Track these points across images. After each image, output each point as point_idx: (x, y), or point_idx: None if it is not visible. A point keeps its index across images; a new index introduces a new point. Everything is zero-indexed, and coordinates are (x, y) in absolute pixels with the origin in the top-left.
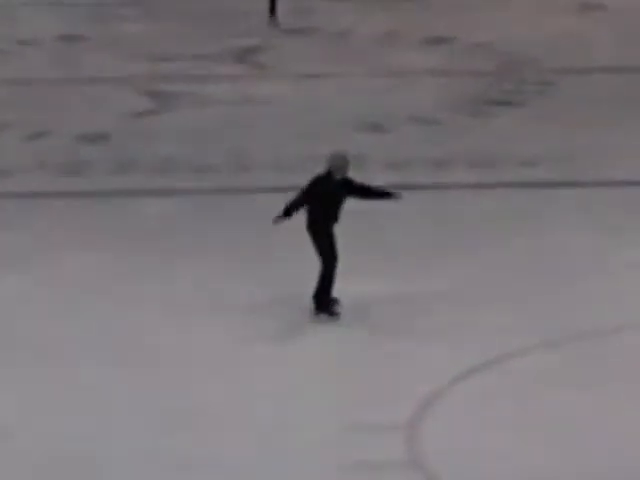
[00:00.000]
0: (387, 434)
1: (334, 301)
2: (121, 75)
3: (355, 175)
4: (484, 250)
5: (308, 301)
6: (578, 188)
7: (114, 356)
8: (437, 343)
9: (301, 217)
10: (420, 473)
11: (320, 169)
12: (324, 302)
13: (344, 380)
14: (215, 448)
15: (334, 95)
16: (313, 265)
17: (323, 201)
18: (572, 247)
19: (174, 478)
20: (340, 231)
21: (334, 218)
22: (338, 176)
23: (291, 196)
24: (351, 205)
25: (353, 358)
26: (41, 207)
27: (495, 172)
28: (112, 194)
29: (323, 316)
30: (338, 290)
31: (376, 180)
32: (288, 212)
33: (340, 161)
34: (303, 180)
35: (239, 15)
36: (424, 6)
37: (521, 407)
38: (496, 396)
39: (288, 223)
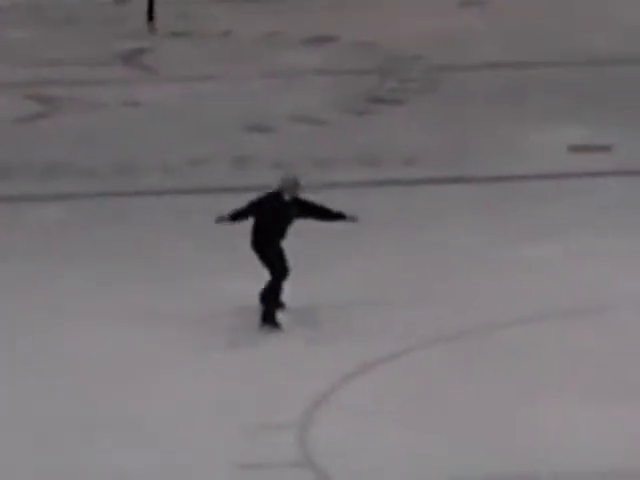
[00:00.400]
0: (278, 434)
1: (279, 309)
2: (6, 80)
3: (241, 175)
4: (374, 248)
5: (189, 301)
6: (464, 184)
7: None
8: (329, 341)
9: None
10: (310, 472)
11: (208, 171)
12: (270, 313)
13: (235, 381)
14: (105, 452)
15: (219, 97)
16: (194, 264)
17: (271, 218)
18: (461, 244)
19: None
20: (226, 232)
21: (280, 235)
22: (287, 196)
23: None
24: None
25: (243, 359)
26: None
27: (381, 170)
28: None
29: (266, 327)
30: (223, 290)
31: (263, 179)
32: (234, 217)
33: (289, 183)
34: (190, 183)
35: (123, 19)
36: (304, 5)
37: (412, 404)
38: (387, 394)
39: (172, 227)
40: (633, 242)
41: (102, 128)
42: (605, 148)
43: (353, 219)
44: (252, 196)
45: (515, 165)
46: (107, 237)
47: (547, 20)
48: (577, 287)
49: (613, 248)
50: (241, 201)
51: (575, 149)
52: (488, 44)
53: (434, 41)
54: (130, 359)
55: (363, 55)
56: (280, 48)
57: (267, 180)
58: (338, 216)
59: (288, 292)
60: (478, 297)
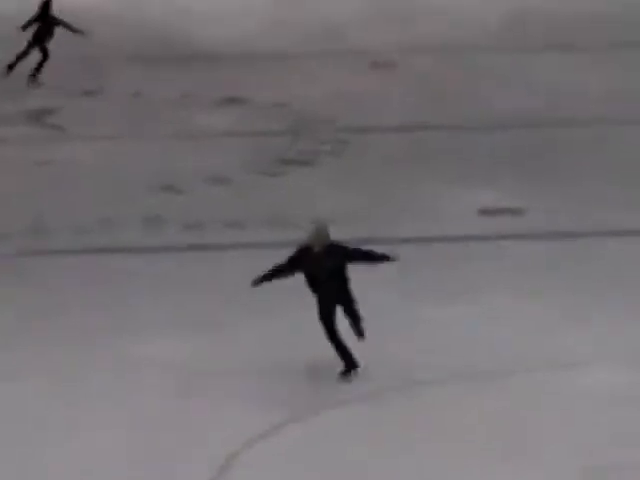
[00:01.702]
0: None
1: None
2: None
3: (153, 235)
4: (284, 310)
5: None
6: (373, 245)
7: None
8: (235, 403)
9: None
10: None
11: (119, 231)
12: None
13: (141, 444)
14: None
15: (130, 156)
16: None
17: (306, 271)
18: (369, 302)
19: None
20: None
21: (318, 287)
22: (317, 248)
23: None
24: None
25: (150, 422)
26: None
27: (291, 231)
28: None
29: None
30: (126, 352)
31: (174, 240)
32: (270, 276)
33: (316, 233)
34: (101, 241)
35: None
36: (215, 67)
37: (317, 468)
38: (292, 458)
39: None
40: (535, 305)
41: (12, 187)
42: (516, 211)
43: (395, 258)
44: (163, 257)
45: (423, 227)
46: (11, 297)
47: (458, 82)
48: (479, 350)
49: (516, 311)
50: (153, 262)
51: (485, 212)
52: (398, 106)
53: (345, 103)
54: (26, 417)
55: (274, 116)
56: (191, 109)
57: (178, 240)
58: (382, 257)
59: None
60: (381, 356)
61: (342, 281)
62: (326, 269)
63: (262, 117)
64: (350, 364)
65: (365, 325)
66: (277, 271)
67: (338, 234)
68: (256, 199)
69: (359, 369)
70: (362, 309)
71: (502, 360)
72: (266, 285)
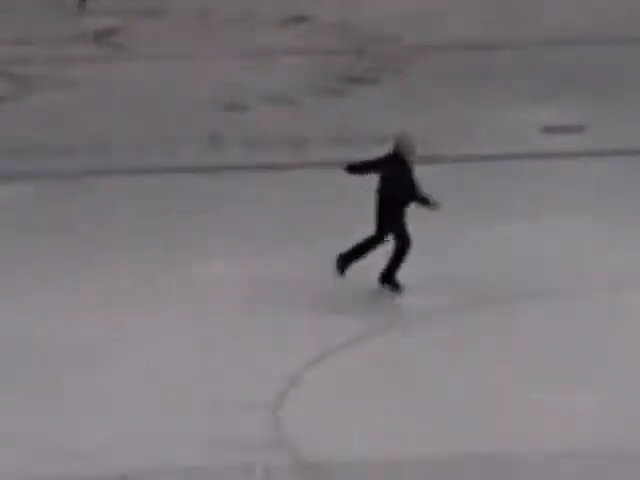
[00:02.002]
0: (251, 413)
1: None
2: None
3: (214, 154)
4: (350, 226)
5: (166, 281)
6: (436, 164)
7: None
8: (306, 319)
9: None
10: (283, 452)
11: (181, 149)
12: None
13: (207, 361)
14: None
15: (192, 75)
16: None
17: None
18: (435, 224)
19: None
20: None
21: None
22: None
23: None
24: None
25: (217, 340)
26: None
27: (352, 150)
28: None
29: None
30: (203, 270)
31: (236, 159)
32: (357, 168)
33: (405, 142)
34: (164, 160)
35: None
36: None
37: (388, 383)
38: (356, 376)
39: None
40: (599, 224)
41: (73, 106)
42: (580, 129)
43: (437, 208)
44: (226, 174)
45: (487, 145)
46: (78, 216)
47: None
48: (543, 269)
49: (580, 230)
50: (215, 180)
51: (549, 130)
52: (463, 25)
53: (410, 21)
54: (99, 334)
55: (339, 34)
56: (255, 28)
57: (240, 159)
58: (428, 203)
59: (257, 275)
60: (453, 278)
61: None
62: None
63: (327, 35)
64: (342, 264)
65: (428, 243)
66: (367, 165)
67: (380, 152)
68: (320, 117)
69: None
70: (426, 227)
71: (566, 279)
72: (335, 202)
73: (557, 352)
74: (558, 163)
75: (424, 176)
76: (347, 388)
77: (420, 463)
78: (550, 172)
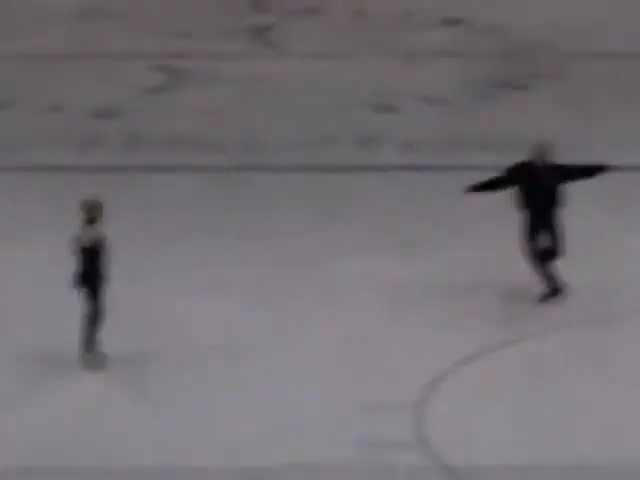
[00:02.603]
0: (395, 413)
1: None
2: (135, 51)
3: (367, 154)
4: (494, 232)
5: (311, 279)
6: None
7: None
8: (449, 323)
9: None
10: (425, 453)
11: (333, 149)
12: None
13: (353, 360)
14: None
15: (347, 74)
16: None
17: (525, 187)
18: (584, 231)
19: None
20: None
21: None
22: (539, 163)
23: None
24: None
25: (363, 339)
26: (55, 180)
27: (503, 155)
28: (124, 169)
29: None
30: (344, 269)
31: (388, 159)
32: (485, 186)
33: (540, 148)
34: (313, 159)
35: None
36: None
37: (524, 391)
38: (500, 379)
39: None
40: None
41: (226, 101)
42: None
43: (609, 168)
44: (376, 176)
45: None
46: (230, 210)
47: None
48: None
49: None
50: (365, 181)
51: None
52: (622, 33)
53: (567, 27)
54: (244, 331)
55: (494, 38)
56: (412, 29)
57: (393, 160)
58: (597, 168)
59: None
60: (585, 287)
61: (554, 203)
62: (544, 187)
63: (481, 39)
64: (554, 289)
65: (569, 251)
66: (494, 182)
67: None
68: (471, 121)
69: (563, 294)
70: (573, 235)
71: None
72: (475, 206)
73: None
74: None
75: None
76: (494, 391)
77: (555, 472)
78: None
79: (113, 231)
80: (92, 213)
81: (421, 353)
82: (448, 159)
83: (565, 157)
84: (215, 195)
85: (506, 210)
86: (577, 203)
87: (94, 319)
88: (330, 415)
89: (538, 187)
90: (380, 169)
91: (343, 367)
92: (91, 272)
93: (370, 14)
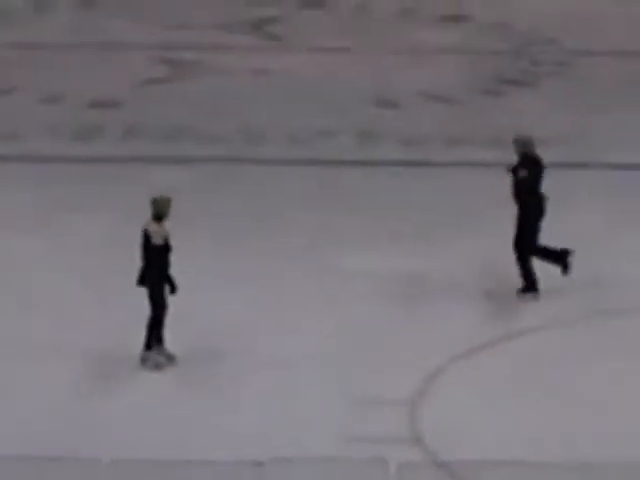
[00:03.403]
0: (388, 408)
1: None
2: (136, 42)
3: (367, 149)
4: (499, 226)
5: (307, 273)
6: (588, 170)
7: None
8: (440, 321)
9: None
10: (418, 449)
11: (333, 143)
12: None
13: (348, 355)
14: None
15: (349, 69)
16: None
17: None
18: (581, 227)
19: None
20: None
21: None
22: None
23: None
24: None
25: (357, 334)
26: (53, 171)
27: (507, 152)
28: (122, 160)
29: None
30: (340, 264)
31: (388, 155)
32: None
33: (521, 141)
34: (313, 153)
35: None
36: None
37: (519, 387)
38: (495, 375)
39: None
40: None
41: (227, 94)
42: None
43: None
44: (376, 171)
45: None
46: (226, 203)
47: None
48: None
49: None
50: (366, 176)
51: None
52: (624, 30)
53: (570, 24)
54: (246, 320)
55: (497, 35)
56: (414, 25)
57: (392, 155)
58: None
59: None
60: (596, 283)
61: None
62: (521, 181)
63: (484, 35)
64: (530, 285)
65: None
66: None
67: (552, 156)
68: (474, 118)
69: (536, 294)
70: (569, 231)
71: None
72: (476, 202)
73: None
74: None
75: (575, 180)
76: (489, 387)
77: (549, 467)
78: None
79: (111, 223)
80: (161, 209)
81: (417, 348)
82: (450, 155)
83: (569, 153)
84: (214, 187)
85: (507, 206)
86: (577, 203)
87: (158, 317)
88: (324, 410)
89: (541, 178)
90: (381, 164)
91: (337, 362)
92: (161, 269)
93: (373, 9)
